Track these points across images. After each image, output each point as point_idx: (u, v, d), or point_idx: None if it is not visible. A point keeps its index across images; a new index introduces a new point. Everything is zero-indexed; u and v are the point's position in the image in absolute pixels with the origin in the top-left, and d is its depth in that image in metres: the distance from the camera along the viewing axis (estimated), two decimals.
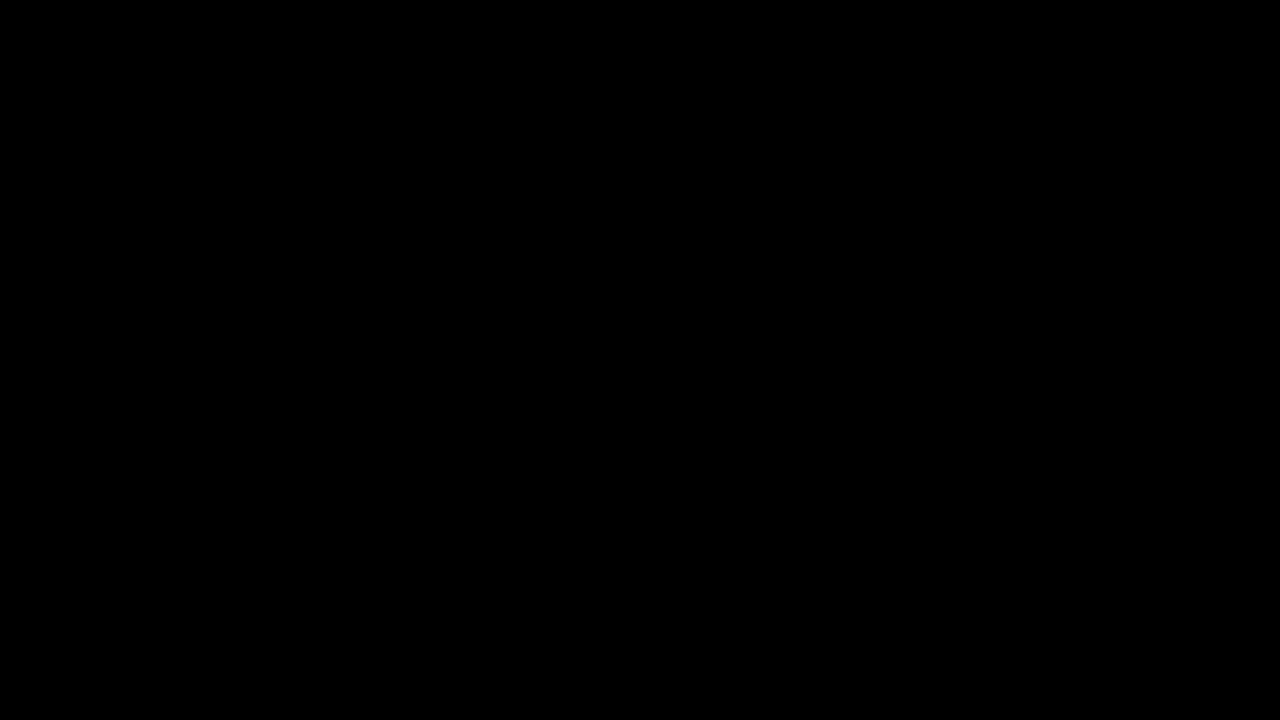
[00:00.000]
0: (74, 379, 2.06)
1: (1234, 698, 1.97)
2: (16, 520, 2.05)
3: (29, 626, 2.03)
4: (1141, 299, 2.03)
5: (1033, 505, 2.02)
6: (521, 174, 2.08)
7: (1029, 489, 2.02)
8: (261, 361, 2.07)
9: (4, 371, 2.06)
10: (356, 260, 2.08)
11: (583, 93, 2.08)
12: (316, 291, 2.07)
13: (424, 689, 2.02)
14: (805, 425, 2.04)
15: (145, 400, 2.06)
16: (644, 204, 2.07)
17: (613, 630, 2.02)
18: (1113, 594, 2.00)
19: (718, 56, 2.08)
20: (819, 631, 2.02)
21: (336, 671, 2.03)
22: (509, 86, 2.09)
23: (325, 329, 2.07)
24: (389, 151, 2.09)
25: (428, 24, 2.09)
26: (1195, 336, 2.02)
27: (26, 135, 2.09)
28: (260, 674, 2.02)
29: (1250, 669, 1.97)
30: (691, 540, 2.04)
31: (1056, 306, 2.03)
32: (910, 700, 2.00)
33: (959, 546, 2.02)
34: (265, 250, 2.08)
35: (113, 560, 2.04)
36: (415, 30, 2.09)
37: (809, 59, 2.07)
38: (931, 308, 2.04)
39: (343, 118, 2.09)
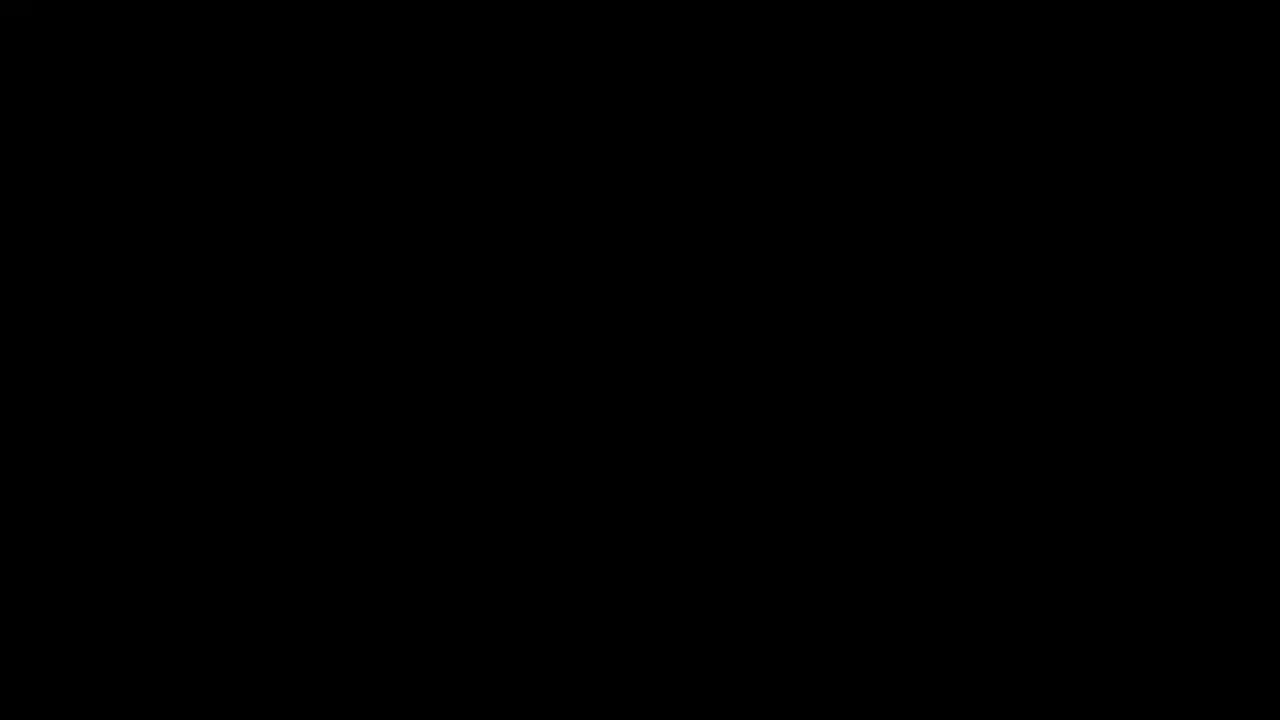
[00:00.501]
0: (74, 379, 2.06)
1: (1234, 698, 1.97)
2: (16, 520, 2.05)
3: (29, 627, 2.03)
4: (1141, 299, 2.03)
5: (1033, 505, 2.02)
6: (522, 174, 2.08)
7: (1029, 489, 2.02)
8: (262, 361, 2.07)
9: (4, 371, 2.06)
10: (357, 260, 2.08)
11: (583, 93, 2.09)
12: (317, 291, 2.07)
13: (424, 689, 2.02)
14: (805, 425, 2.04)
15: (145, 400, 2.06)
16: (644, 204, 2.08)
17: (613, 630, 2.03)
18: (1113, 594, 2.00)
19: (718, 57, 2.08)
20: (819, 632, 2.02)
21: (336, 671, 2.03)
22: (509, 87, 2.09)
23: (325, 329, 2.07)
24: (389, 151, 2.09)
25: (428, 24, 2.09)
26: (1195, 336, 2.02)
27: (26, 135, 2.09)
28: (260, 674, 2.02)
29: (1250, 669, 1.97)
30: (691, 540, 2.04)
31: (1057, 306, 2.03)
32: (910, 700, 2.00)
33: (959, 547, 2.02)
34: (265, 250, 2.08)
35: (113, 560, 2.04)
36: (415, 30, 2.09)
37: (809, 59, 2.07)
38: (931, 308, 2.05)
39: (343, 118, 2.09)
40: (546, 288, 2.07)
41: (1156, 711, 1.98)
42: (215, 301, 2.07)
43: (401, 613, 2.03)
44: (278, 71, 2.09)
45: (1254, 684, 1.97)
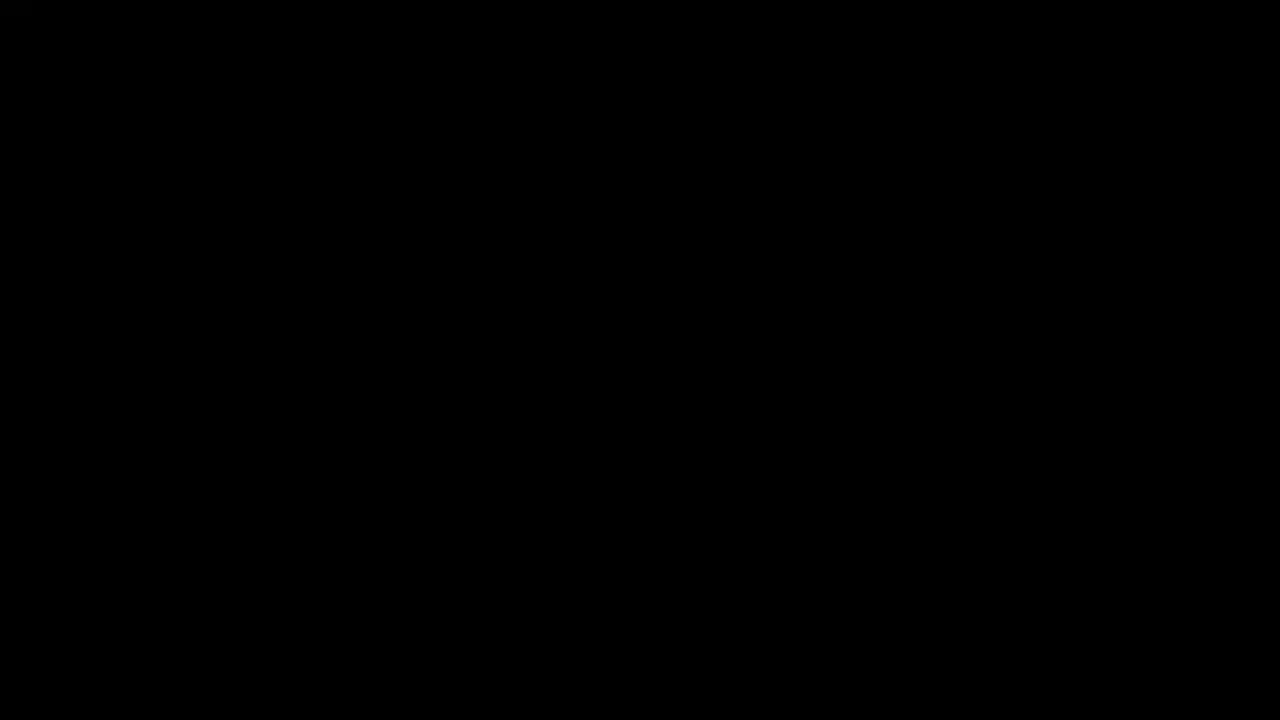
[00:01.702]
0: (74, 379, 2.06)
1: (1234, 698, 1.97)
2: (16, 520, 2.05)
3: (29, 626, 2.03)
4: (1141, 299, 2.03)
5: (1033, 505, 2.02)
6: (522, 174, 2.08)
7: (1029, 489, 2.02)
8: (262, 361, 2.07)
9: (4, 371, 2.06)
10: (357, 260, 2.08)
11: (583, 93, 2.09)
12: (316, 291, 2.07)
13: (424, 689, 2.02)
14: (805, 425, 2.04)
15: (145, 400, 2.06)
16: (644, 204, 2.08)
17: (613, 630, 2.03)
18: (1113, 594, 2.00)
19: (718, 57, 2.08)
20: (819, 632, 2.02)
21: (336, 672, 2.03)
22: (509, 86, 2.09)
23: (325, 329, 2.07)
24: (389, 151, 2.09)
25: (428, 24, 2.09)
26: (1195, 336, 2.02)
27: (26, 135, 2.09)
28: (260, 674, 2.03)
29: (1250, 669, 1.97)
30: (691, 540, 2.04)
31: (1056, 307, 2.04)
32: (910, 700, 2.00)
33: (959, 547, 2.02)
34: (265, 250, 2.08)
35: (113, 560, 2.04)
36: (415, 30, 2.09)
37: (809, 59, 2.08)
38: (931, 308, 2.05)
39: (343, 118, 2.09)
40: (546, 288, 2.07)
41: (1156, 712, 1.98)
42: (215, 301, 2.07)
43: (401, 613, 2.04)
44: (278, 71, 2.09)
45: (1254, 684, 1.97)
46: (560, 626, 2.03)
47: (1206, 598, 1.99)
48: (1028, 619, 2.00)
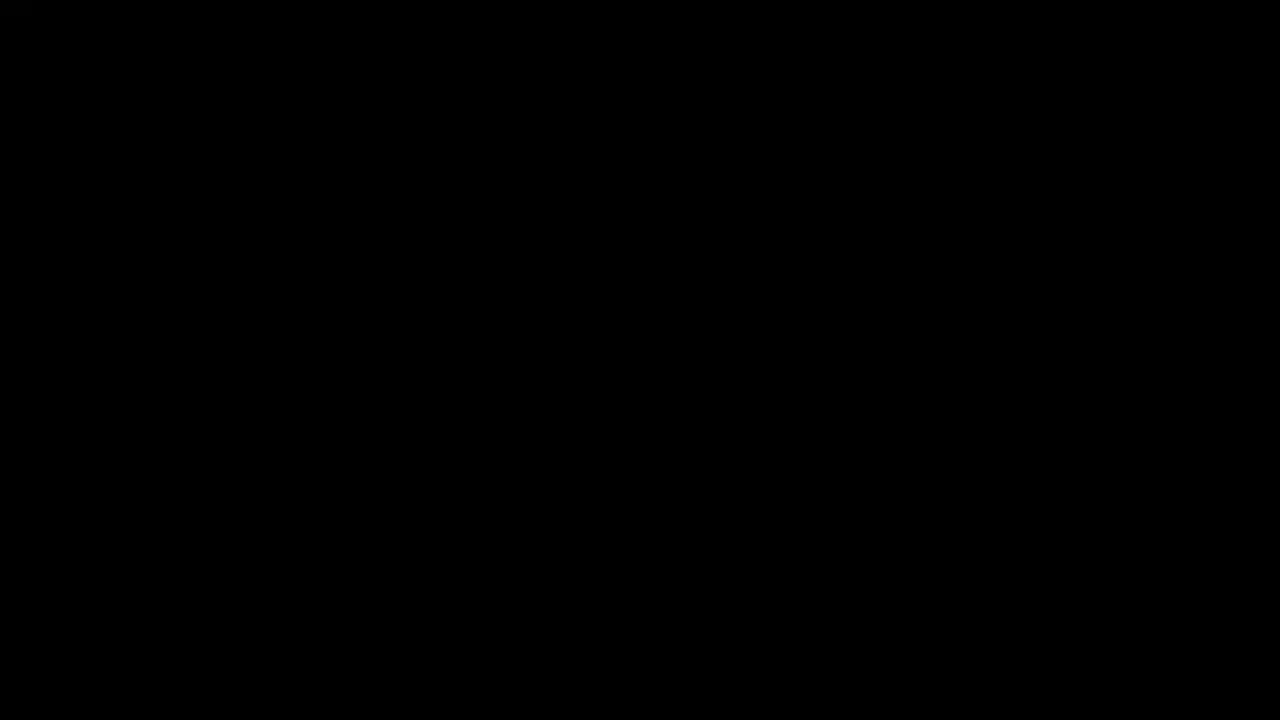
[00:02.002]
0: (74, 379, 2.07)
1: (1234, 698, 1.98)
2: (16, 520, 2.05)
3: (29, 627, 2.03)
4: (1141, 299, 2.03)
5: (1033, 505, 2.02)
6: (522, 174, 2.08)
7: (1029, 489, 2.02)
8: (262, 362, 2.07)
9: (4, 371, 2.06)
10: (357, 260, 2.08)
11: (583, 93, 2.09)
12: (317, 291, 2.07)
13: (424, 689, 2.02)
14: (805, 425, 2.04)
15: (145, 400, 2.06)
16: (644, 204, 2.08)
17: (613, 630, 2.03)
18: (1113, 594, 2.00)
19: (718, 57, 2.08)
20: (819, 632, 2.02)
21: (337, 672, 2.03)
22: (509, 86, 2.09)
23: (325, 329, 2.07)
24: (389, 151, 2.09)
25: (428, 24, 2.09)
26: (1195, 337, 2.02)
27: (26, 135, 2.09)
28: (260, 674, 2.03)
29: (1250, 669, 1.98)
30: (692, 540, 2.04)
31: (1057, 307, 2.04)
32: (910, 700, 2.00)
33: (959, 547, 2.02)
34: (265, 250, 2.08)
35: (113, 560, 2.04)
36: (415, 30, 2.09)
37: (809, 59, 2.08)
38: (931, 308, 2.05)
39: (343, 118, 2.09)
40: (546, 288, 2.07)
41: (1156, 712, 1.98)
42: (215, 301, 2.07)
43: (401, 613, 2.04)
44: (278, 71, 2.09)
45: (1254, 684, 1.97)
46: (560, 627, 2.03)
47: (1206, 598, 1.99)
48: (1028, 619, 2.00)
